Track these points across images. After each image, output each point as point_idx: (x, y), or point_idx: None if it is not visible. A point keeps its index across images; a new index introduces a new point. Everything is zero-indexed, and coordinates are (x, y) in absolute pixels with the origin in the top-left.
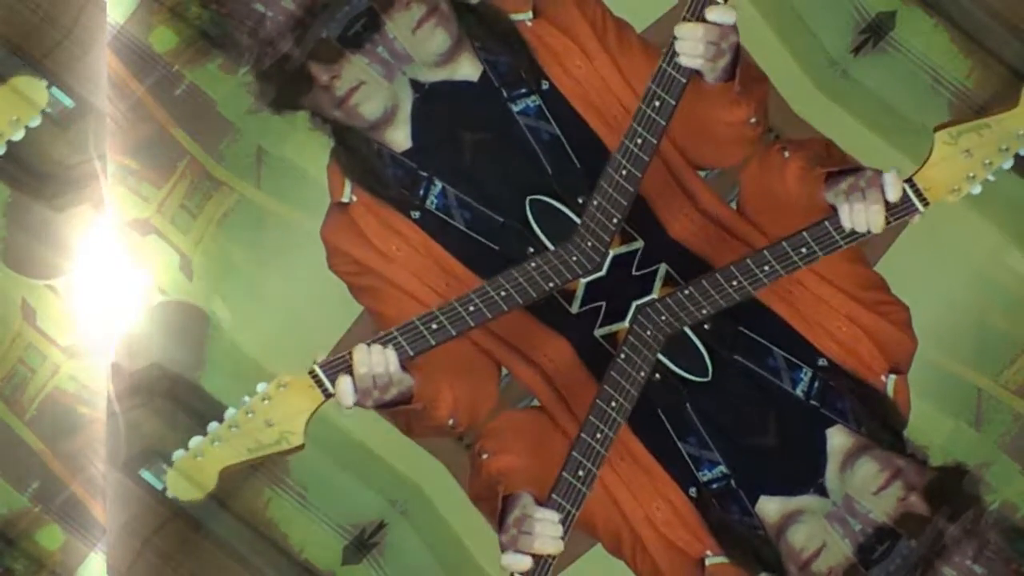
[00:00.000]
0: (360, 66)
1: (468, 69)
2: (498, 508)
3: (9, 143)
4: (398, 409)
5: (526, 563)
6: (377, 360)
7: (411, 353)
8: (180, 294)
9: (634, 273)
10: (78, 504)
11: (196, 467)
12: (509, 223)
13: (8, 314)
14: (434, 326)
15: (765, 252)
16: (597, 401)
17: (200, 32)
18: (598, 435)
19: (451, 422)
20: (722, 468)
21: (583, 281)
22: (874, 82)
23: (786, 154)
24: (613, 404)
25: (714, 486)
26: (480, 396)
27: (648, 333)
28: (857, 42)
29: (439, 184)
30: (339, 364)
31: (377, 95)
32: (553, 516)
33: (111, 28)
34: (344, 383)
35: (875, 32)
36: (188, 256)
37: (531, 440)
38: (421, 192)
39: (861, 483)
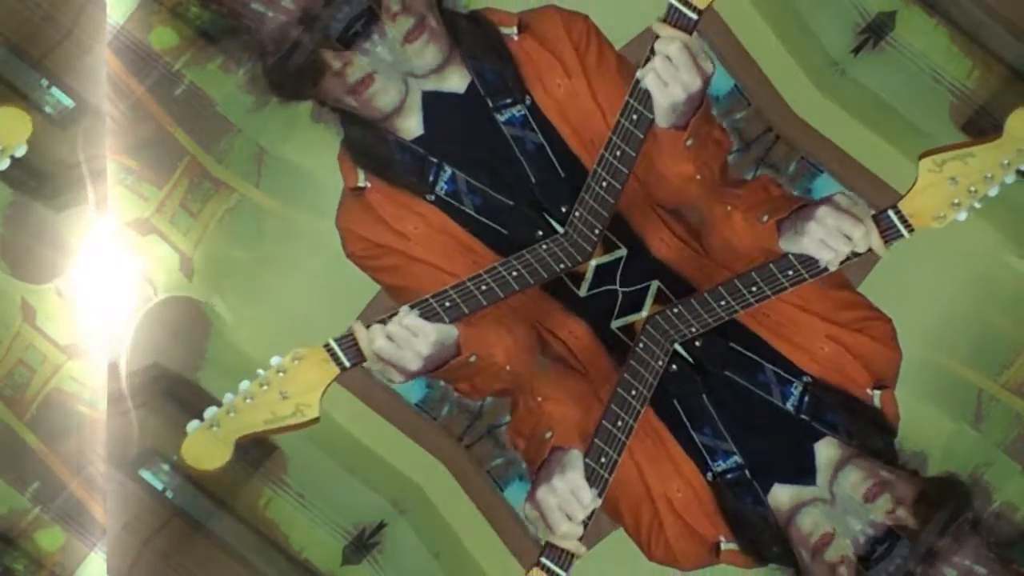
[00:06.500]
0: (368, 59)
1: (456, 80)
2: (543, 456)
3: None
4: (450, 365)
5: (576, 532)
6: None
7: None
8: (179, 293)
9: (622, 289)
10: (78, 504)
11: (212, 437)
12: (519, 207)
13: (8, 314)
14: (447, 304)
15: (753, 273)
16: (617, 389)
17: (200, 32)
18: (619, 423)
19: (508, 368)
20: (737, 459)
21: (592, 264)
22: (874, 82)
23: (728, 208)
24: (633, 392)
25: (729, 476)
26: (527, 344)
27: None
28: (857, 42)
29: (449, 170)
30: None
31: (390, 86)
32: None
33: (111, 28)
34: (373, 330)
35: (875, 32)
36: (188, 256)
37: (579, 396)
38: (431, 178)
39: (849, 493)
